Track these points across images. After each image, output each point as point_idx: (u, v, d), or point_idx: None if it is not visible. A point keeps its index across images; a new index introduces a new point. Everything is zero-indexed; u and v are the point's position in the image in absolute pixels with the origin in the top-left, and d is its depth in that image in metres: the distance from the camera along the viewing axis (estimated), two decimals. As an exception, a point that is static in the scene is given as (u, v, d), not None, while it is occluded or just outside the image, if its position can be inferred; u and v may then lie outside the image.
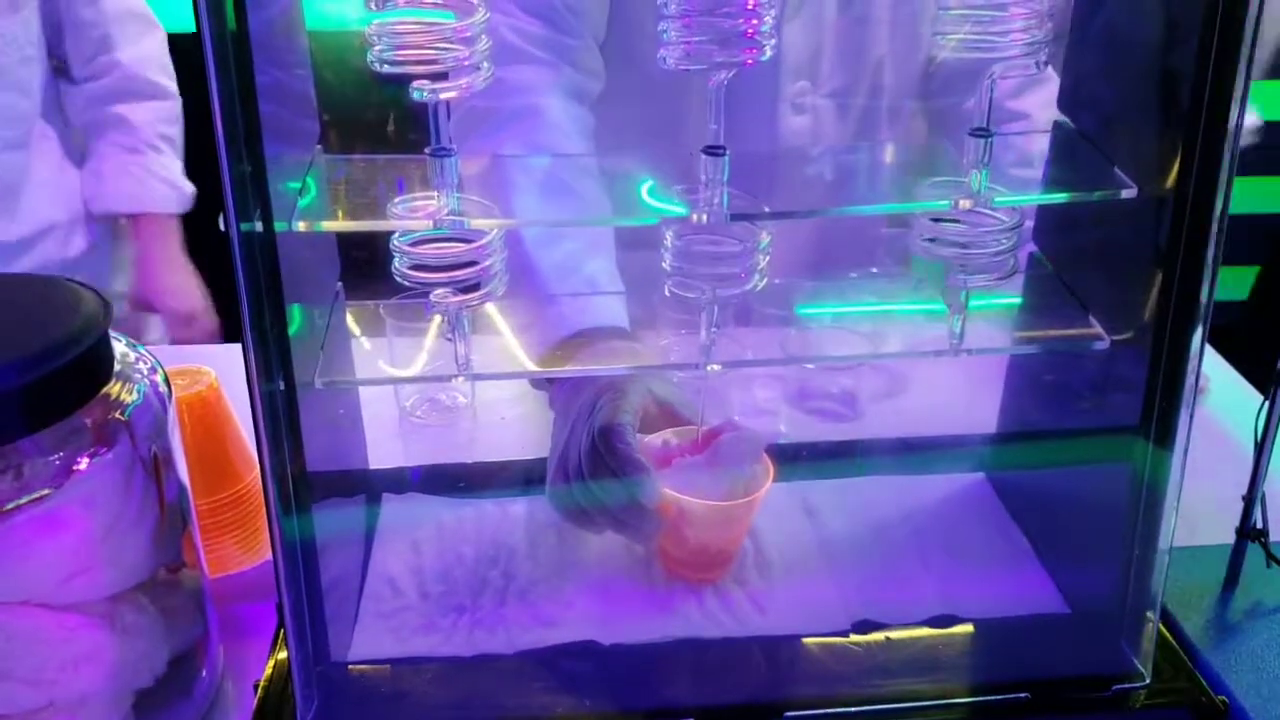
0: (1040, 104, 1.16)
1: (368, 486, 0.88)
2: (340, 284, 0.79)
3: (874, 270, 1.05)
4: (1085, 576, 0.79)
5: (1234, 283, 2.23)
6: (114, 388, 0.67)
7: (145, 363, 0.72)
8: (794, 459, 0.92)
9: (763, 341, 0.78)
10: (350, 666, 0.74)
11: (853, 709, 0.70)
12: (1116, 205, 0.69)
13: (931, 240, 0.71)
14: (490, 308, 0.74)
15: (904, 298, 0.82)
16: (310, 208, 0.66)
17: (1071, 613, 0.79)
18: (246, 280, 0.60)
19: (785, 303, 0.82)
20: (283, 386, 0.63)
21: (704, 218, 0.67)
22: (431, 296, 0.69)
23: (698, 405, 0.82)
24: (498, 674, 0.73)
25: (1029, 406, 0.87)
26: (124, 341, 0.73)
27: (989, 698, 0.71)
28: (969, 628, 0.76)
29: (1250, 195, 2.24)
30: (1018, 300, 0.79)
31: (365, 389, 1.03)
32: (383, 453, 0.95)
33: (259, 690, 0.73)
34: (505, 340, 0.77)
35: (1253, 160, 0.77)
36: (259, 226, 0.60)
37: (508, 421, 1.05)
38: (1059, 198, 0.69)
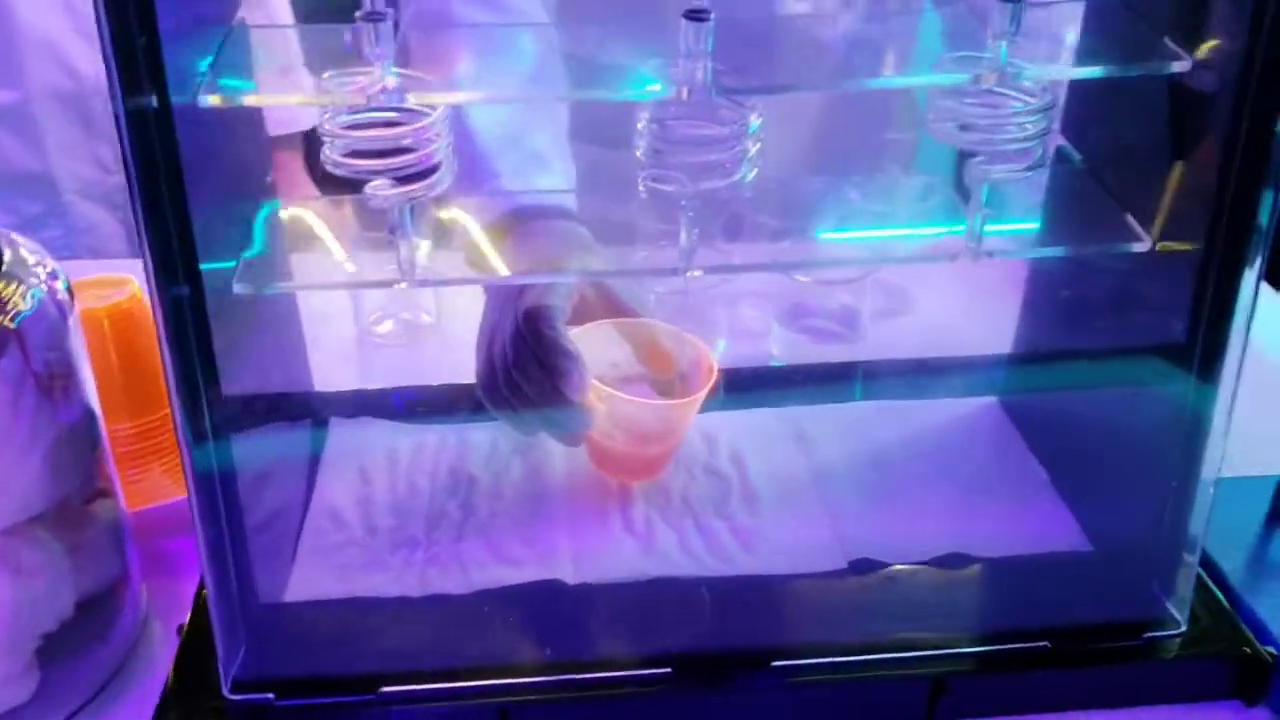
0: None
1: (312, 410, 0.80)
2: (272, 180, 0.69)
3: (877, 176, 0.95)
4: (1111, 512, 0.70)
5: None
6: (2, 290, 0.58)
7: (45, 267, 0.63)
8: (786, 382, 0.84)
9: (754, 254, 0.70)
10: (284, 608, 0.66)
11: (848, 658, 0.62)
12: (1160, 87, 0.60)
13: (949, 123, 0.61)
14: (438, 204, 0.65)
15: (912, 202, 0.73)
16: (225, 83, 0.56)
17: (1095, 551, 0.71)
18: (137, 166, 0.50)
19: (780, 210, 0.73)
20: (189, 291, 0.54)
21: (685, 94, 0.57)
22: (367, 188, 0.59)
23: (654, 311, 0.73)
24: (450, 615, 0.66)
25: (1049, 324, 0.78)
26: (23, 243, 0.64)
27: (1004, 646, 0.63)
28: (980, 568, 0.68)
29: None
30: (1044, 197, 0.69)
31: (319, 305, 0.96)
32: (340, 375, 0.87)
33: (182, 634, 0.65)
34: (460, 241, 0.68)
35: None
36: (153, 102, 0.50)
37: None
38: (1099, 71, 0.59)
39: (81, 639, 0.65)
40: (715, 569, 0.69)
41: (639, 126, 0.60)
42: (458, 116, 0.88)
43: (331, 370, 0.87)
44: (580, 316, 0.74)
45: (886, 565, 0.68)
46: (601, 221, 0.76)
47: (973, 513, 0.73)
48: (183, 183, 0.52)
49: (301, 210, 0.68)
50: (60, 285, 0.63)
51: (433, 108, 0.59)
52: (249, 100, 0.58)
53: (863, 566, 0.68)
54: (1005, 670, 0.63)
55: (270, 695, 0.60)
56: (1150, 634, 0.64)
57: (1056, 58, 0.62)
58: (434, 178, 0.60)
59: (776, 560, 0.69)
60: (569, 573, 0.68)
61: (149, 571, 0.73)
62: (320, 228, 0.71)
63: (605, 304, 0.76)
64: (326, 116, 0.58)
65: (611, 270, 0.68)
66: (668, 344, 0.76)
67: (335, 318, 0.96)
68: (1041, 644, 0.63)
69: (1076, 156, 0.70)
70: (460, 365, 0.93)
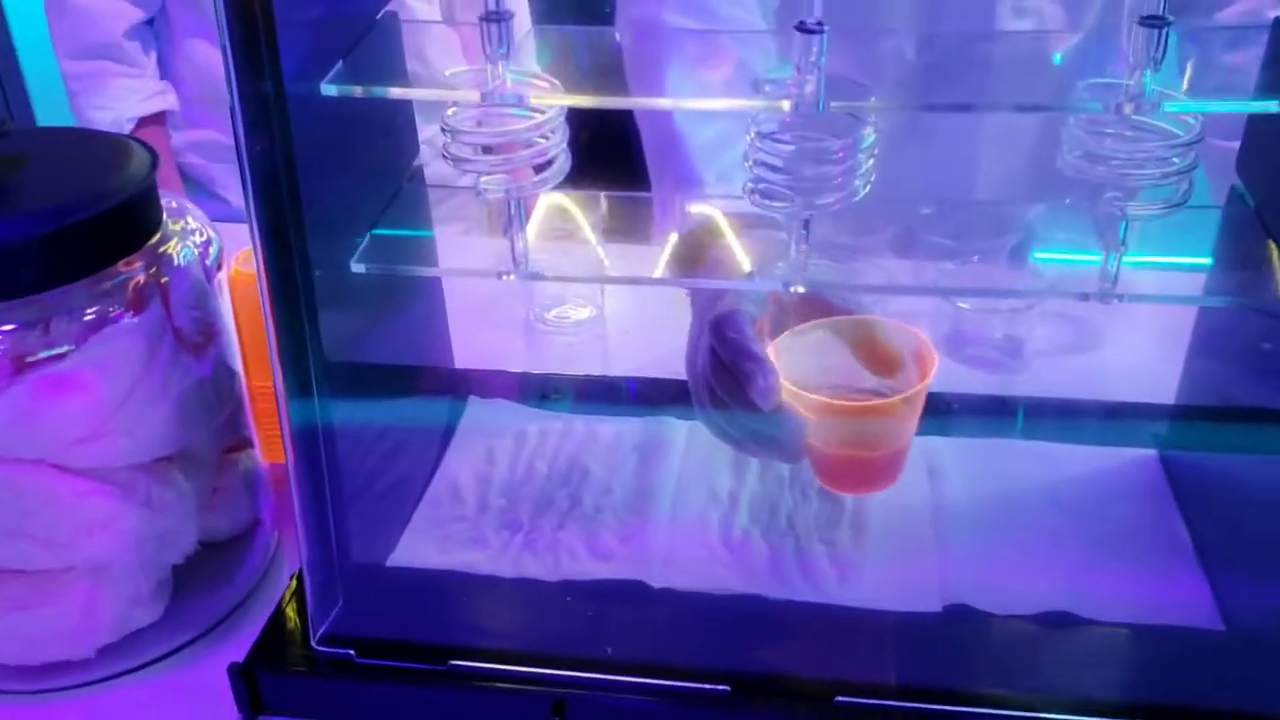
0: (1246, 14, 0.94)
1: (453, 387, 0.83)
2: (419, 166, 0.73)
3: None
4: (1251, 590, 0.64)
5: None
6: (155, 251, 0.64)
7: (201, 234, 0.69)
8: (930, 411, 0.80)
9: (923, 275, 0.66)
10: (383, 571, 0.69)
11: (915, 705, 0.59)
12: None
13: (1078, 155, 0.57)
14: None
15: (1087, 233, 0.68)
16: (355, 72, 0.60)
17: (1226, 631, 0.64)
18: (249, 147, 0.54)
19: (954, 231, 0.70)
20: (296, 266, 0.58)
21: (790, 106, 0.56)
22: (481, 182, 0.61)
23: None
24: (532, 600, 0.67)
25: (1213, 378, 0.71)
26: (191, 209, 0.70)
27: (1088, 718, 0.58)
28: (1086, 631, 0.63)
29: None
30: (1205, 241, 0.64)
31: (491, 290, 1.00)
32: (499, 357, 0.90)
33: (292, 581, 0.70)
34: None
35: None
36: (268, 88, 0.54)
37: (634, 335, 0.97)
38: (1238, 106, 0.54)
39: (210, 575, 0.71)
40: (803, 594, 0.67)
41: (747, 139, 0.59)
42: (666, 125, 0.90)
43: (491, 351, 0.90)
44: (789, 322, 0.70)
45: (984, 615, 0.64)
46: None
47: (1097, 571, 0.67)
48: (295, 169, 0.56)
49: (439, 195, 0.71)
50: (212, 252, 0.68)
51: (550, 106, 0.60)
52: (366, 92, 0.61)
53: (957, 613, 0.65)
54: (1088, 746, 0.58)
55: (351, 652, 0.64)
56: (1268, 733, 0.58)
57: (1217, 88, 0.56)
58: (546, 173, 0.62)
59: (869, 595, 0.67)
60: (656, 576, 0.68)
61: (286, 521, 0.79)
62: (459, 215, 0.74)
63: (815, 305, 0.71)
64: (449, 113, 0.61)
65: (711, 283, 0.67)
66: (887, 339, 0.70)
67: (504, 302, 1.00)
68: (1133, 724, 0.58)
69: (1250, 200, 0.64)
70: (614, 359, 0.96)
